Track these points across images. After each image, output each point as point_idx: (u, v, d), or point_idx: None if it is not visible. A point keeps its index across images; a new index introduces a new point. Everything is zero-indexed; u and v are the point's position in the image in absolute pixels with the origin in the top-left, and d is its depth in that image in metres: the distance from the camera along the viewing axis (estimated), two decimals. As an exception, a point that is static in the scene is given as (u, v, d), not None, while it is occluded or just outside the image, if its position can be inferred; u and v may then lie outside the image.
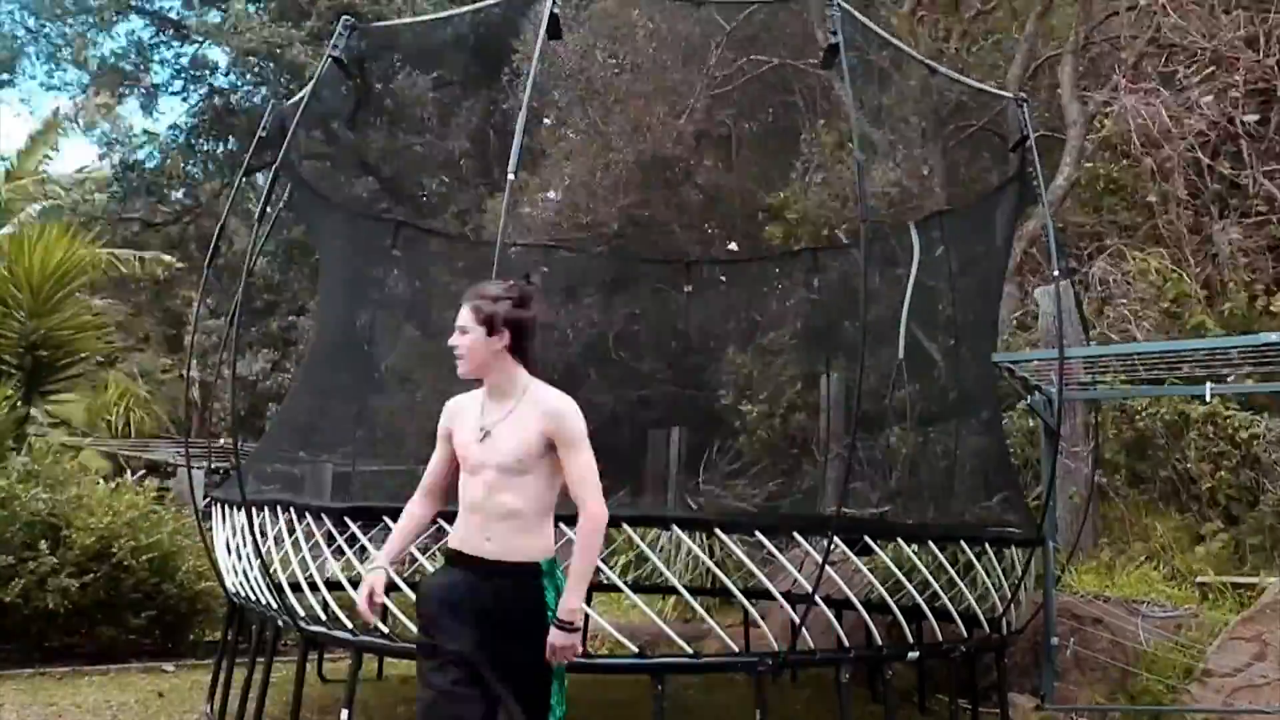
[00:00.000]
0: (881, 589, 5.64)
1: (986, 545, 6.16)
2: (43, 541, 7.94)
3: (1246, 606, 6.82)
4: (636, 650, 5.14)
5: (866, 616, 5.57)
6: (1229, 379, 7.14)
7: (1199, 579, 7.43)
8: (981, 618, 6.16)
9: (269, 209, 6.84)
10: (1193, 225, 9.90)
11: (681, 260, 12.76)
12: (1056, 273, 7.54)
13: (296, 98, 7.49)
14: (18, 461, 8.88)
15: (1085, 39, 10.81)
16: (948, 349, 9.20)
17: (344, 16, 6.68)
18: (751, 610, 5.67)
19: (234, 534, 6.10)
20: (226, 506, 6.35)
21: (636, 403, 13.79)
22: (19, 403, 11.86)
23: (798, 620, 5.23)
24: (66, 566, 7.89)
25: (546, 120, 16.15)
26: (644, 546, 6.21)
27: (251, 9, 18.60)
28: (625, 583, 6.68)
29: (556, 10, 5.54)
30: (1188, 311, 9.20)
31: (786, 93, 14.79)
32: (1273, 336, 6.14)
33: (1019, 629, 6.65)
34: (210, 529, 6.89)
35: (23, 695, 6.94)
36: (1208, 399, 7.45)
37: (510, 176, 5.19)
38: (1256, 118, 9.62)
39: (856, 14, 5.90)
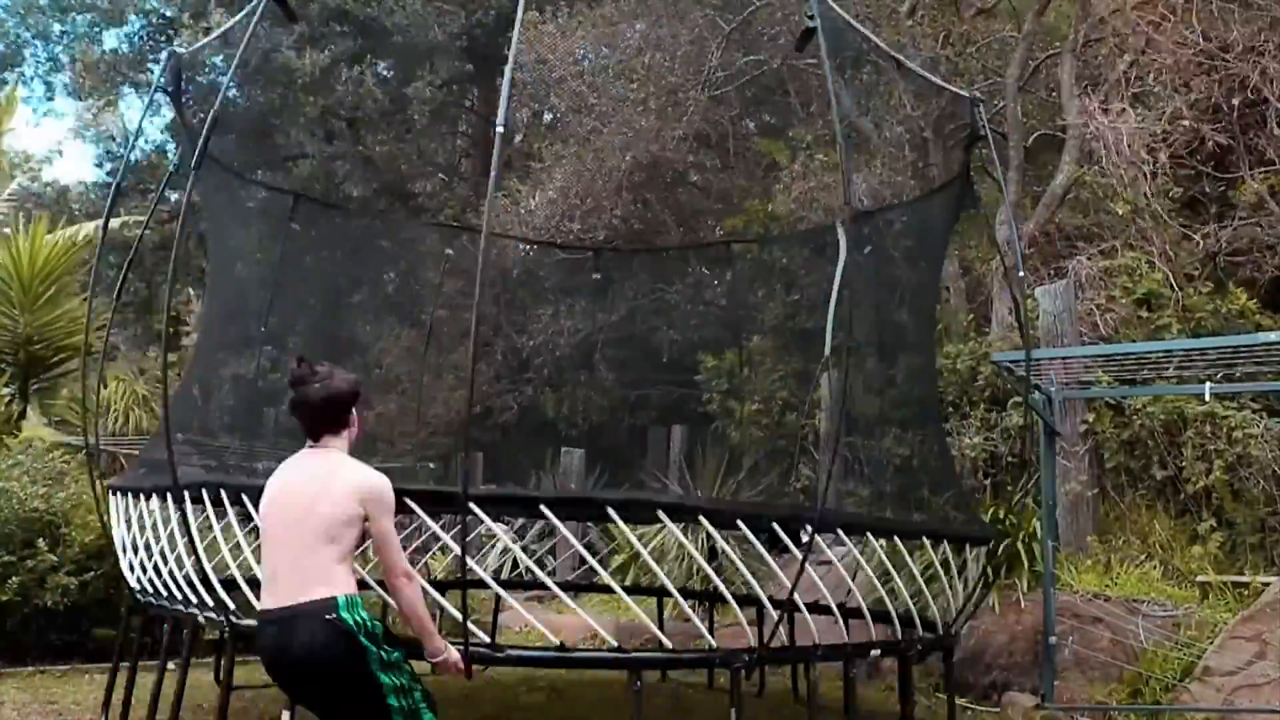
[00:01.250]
0: (854, 588, 5.49)
1: (947, 544, 5.96)
2: (41, 539, 7.92)
3: (1245, 606, 6.84)
4: (615, 645, 4.92)
5: (839, 616, 5.51)
6: (1222, 378, 7.18)
7: (1199, 578, 7.44)
8: (939, 616, 6.05)
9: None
10: (1168, 230, 9.97)
11: (659, 249, 12.88)
12: (1021, 273, 7.56)
13: (201, 45, 6.93)
14: (13, 458, 8.85)
15: (1085, 37, 10.83)
16: (881, 351, 9.35)
17: None
18: (738, 610, 5.53)
19: (154, 528, 5.55)
20: (136, 496, 5.78)
21: (635, 402, 13.85)
22: (13, 399, 11.83)
23: (775, 618, 5.17)
24: (66, 564, 7.88)
25: (548, 116, 16.19)
26: (638, 544, 6.17)
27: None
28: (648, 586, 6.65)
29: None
30: (1158, 314, 9.26)
31: (783, 95, 14.85)
32: (1272, 336, 6.17)
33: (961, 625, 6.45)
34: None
35: (23, 693, 6.92)
36: (1206, 399, 7.48)
37: (499, 129, 4.80)
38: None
39: (833, 4, 5.84)
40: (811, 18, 5.45)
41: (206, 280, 9.24)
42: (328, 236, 9.58)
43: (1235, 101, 9.66)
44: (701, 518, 4.95)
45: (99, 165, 21.86)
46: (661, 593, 7.84)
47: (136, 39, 20.97)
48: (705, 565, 5.43)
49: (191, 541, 5.11)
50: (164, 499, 5.39)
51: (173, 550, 5.40)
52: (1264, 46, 9.55)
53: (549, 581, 5.23)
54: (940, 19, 12.27)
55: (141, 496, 5.68)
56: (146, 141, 22.20)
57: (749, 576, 5.44)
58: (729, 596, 5.27)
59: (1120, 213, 10.08)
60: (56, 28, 19.89)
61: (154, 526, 5.51)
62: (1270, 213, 9.68)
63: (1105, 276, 9.86)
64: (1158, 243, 9.84)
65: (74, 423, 14.01)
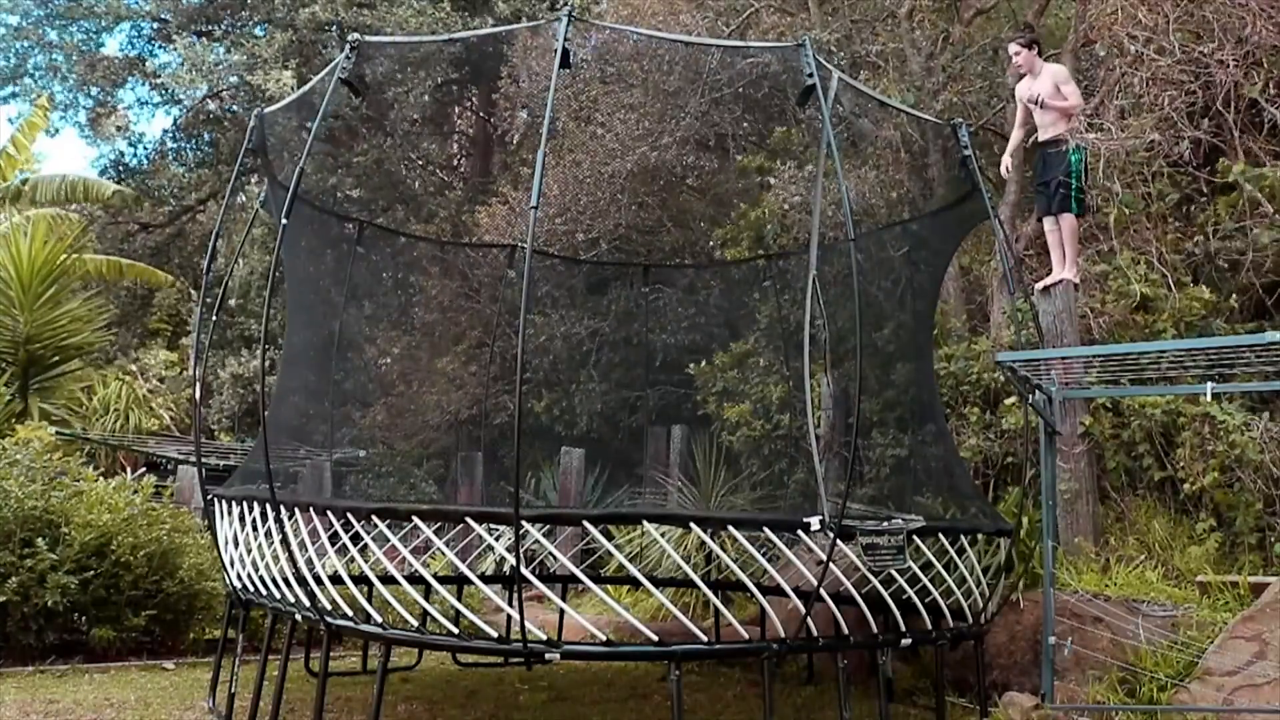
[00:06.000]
0: (876, 582, 5.79)
1: (961, 538, 6.46)
2: (40, 539, 7.91)
3: (1245, 605, 6.85)
4: (655, 638, 5.41)
5: (865, 609, 5.80)
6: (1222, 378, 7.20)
7: (1199, 578, 7.45)
8: (966, 608, 6.52)
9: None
10: (1163, 233, 9.98)
11: (641, 264, 13.07)
12: (1011, 290, 8.17)
13: (281, 105, 7.53)
14: (9, 457, 8.86)
15: (1084, 38, 10.83)
16: (896, 358, 9.99)
17: (351, 35, 6.68)
18: (764, 603, 5.86)
19: (251, 530, 6.11)
20: (239, 503, 6.38)
21: (634, 403, 13.85)
22: (14, 397, 11.84)
23: (803, 611, 5.39)
24: (66, 563, 7.87)
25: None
26: (667, 546, 6.28)
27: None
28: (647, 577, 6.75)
29: (568, 45, 5.67)
30: (1153, 317, 9.28)
31: (782, 97, 14.84)
32: (1276, 335, 6.17)
33: (994, 614, 7.01)
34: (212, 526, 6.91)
35: (23, 693, 6.91)
36: (1207, 399, 7.49)
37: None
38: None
39: (823, 61, 5.94)
40: (810, 75, 5.55)
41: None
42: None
43: (1222, 105, 9.66)
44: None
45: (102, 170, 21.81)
46: (669, 584, 8.10)
47: (132, 44, 21.05)
48: (770, 569, 5.71)
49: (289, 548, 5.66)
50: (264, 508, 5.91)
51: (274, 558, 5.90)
52: (1248, 53, 9.54)
53: (581, 574, 5.61)
54: (938, 21, 12.28)
55: (243, 504, 6.21)
56: (147, 144, 22.27)
57: (773, 572, 5.71)
58: (753, 588, 5.70)
59: (1113, 218, 10.08)
60: (54, 36, 19.88)
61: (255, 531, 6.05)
62: (1265, 215, 9.67)
63: (1099, 280, 9.86)
64: (1153, 246, 9.84)
65: (75, 423, 14.07)
